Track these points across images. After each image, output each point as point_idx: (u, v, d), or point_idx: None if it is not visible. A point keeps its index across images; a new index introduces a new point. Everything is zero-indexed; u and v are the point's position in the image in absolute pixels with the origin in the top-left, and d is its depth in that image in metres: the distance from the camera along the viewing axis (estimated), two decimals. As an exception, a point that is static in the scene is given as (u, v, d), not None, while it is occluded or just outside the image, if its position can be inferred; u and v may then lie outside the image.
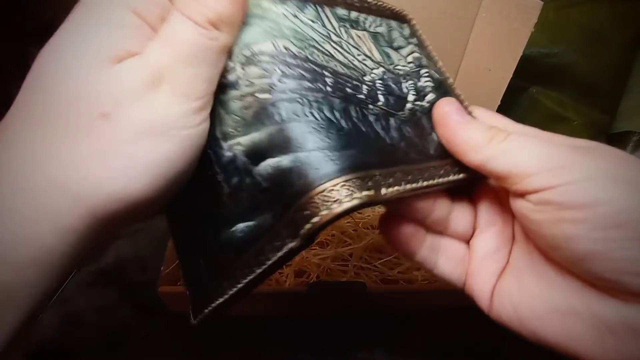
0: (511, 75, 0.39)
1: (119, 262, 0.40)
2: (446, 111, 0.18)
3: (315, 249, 0.39)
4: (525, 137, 0.16)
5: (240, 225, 0.16)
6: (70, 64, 0.14)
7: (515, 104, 0.52)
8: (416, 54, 0.22)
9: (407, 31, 0.23)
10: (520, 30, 0.32)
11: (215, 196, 0.17)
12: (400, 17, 0.23)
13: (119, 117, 0.14)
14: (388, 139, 0.17)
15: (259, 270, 0.15)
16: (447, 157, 0.18)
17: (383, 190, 0.14)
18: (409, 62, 0.21)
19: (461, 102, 0.21)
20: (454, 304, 0.35)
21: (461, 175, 0.18)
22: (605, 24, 0.48)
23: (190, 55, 0.15)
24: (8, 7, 0.40)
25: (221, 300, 0.17)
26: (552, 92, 0.51)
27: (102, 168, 0.14)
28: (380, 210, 0.43)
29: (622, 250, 0.14)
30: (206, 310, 0.18)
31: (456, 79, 0.37)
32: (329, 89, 0.16)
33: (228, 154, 0.16)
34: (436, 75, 0.22)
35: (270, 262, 0.15)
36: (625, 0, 0.48)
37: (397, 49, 0.21)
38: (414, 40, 0.23)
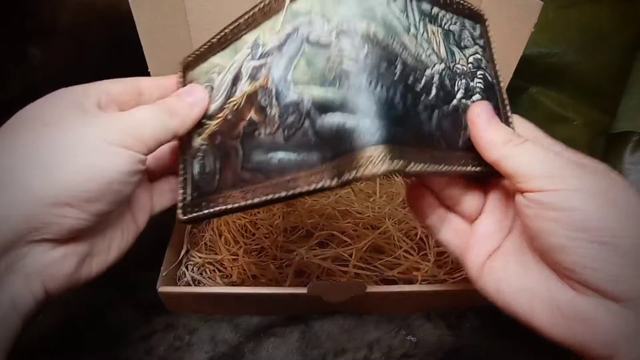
0: (511, 75, 0.39)
1: (119, 262, 0.40)
2: (478, 112, 0.22)
3: (315, 249, 0.39)
4: (538, 147, 0.20)
5: (280, 154, 0.20)
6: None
7: (515, 104, 0.52)
8: (478, 56, 0.25)
9: (477, 32, 0.25)
10: (520, 30, 0.32)
11: (259, 122, 0.21)
12: (475, 17, 0.25)
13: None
14: (427, 127, 0.20)
15: (284, 194, 0.19)
16: (471, 150, 0.22)
17: (412, 164, 0.18)
18: (469, 63, 0.24)
19: (505, 106, 0.25)
20: (454, 304, 0.35)
21: (478, 169, 0.22)
22: (605, 24, 0.48)
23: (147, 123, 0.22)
24: (8, 7, 0.40)
25: (226, 207, 0.22)
26: (552, 92, 0.51)
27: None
28: (380, 211, 0.44)
29: (584, 249, 0.18)
30: (203, 212, 0.23)
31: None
32: (396, 77, 0.19)
33: (294, 95, 0.20)
34: (489, 79, 0.25)
35: (298, 191, 0.19)
36: (625, 0, 0.48)
37: (462, 48, 0.24)
38: (481, 41, 0.25)
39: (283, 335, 0.32)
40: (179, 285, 0.38)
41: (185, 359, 0.31)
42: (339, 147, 0.18)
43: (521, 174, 0.20)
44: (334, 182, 0.17)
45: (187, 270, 0.39)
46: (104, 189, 0.20)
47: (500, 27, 0.28)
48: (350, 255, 0.38)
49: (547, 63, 0.49)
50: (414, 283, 0.37)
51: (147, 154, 0.22)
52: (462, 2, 0.24)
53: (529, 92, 0.52)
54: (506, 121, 0.25)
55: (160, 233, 0.39)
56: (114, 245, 0.25)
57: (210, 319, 0.34)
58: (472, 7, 0.25)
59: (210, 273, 0.40)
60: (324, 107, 0.19)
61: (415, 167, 0.18)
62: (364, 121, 0.17)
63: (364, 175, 0.17)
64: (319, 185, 0.18)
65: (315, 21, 0.20)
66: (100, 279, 0.38)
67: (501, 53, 0.27)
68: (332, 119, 0.18)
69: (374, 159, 0.17)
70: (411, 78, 0.20)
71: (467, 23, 0.25)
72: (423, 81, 0.21)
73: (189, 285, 0.38)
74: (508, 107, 0.25)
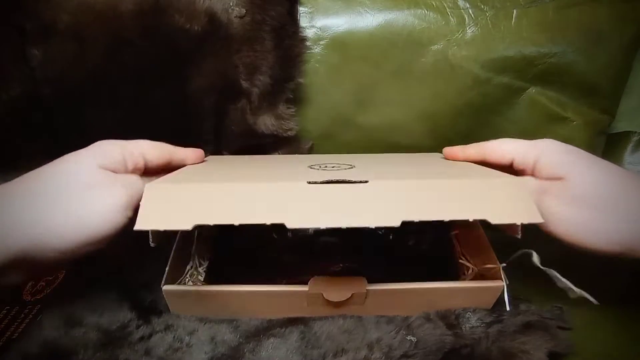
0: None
1: (119, 263, 0.40)
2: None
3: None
4: None
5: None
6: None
7: (515, 104, 0.52)
8: None
9: None
10: None
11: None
12: None
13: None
14: None
15: None
16: None
17: None
18: None
19: None
20: (454, 304, 0.35)
21: None
22: (605, 24, 0.48)
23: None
24: (8, 7, 0.40)
25: None
26: (551, 92, 0.51)
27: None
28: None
29: None
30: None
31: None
32: None
33: None
34: None
35: None
36: (625, 0, 0.48)
37: None
38: None
39: (283, 336, 0.32)
40: (179, 285, 0.38)
41: None
42: None
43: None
44: None
45: (196, 269, 0.40)
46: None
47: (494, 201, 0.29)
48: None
49: (547, 63, 0.49)
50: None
51: None
52: None
53: (528, 92, 0.52)
54: None
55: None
56: None
57: (210, 320, 0.34)
58: None
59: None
60: None
61: None
62: None
63: None
64: None
65: None
66: (100, 279, 0.38)
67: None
68: None
69: None
70: None
71: None
72: None
73: (193, 284, 0.38)
74: None
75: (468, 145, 0.37)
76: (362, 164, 0.37)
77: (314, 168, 0.35)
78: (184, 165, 0.35)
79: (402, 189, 0.27)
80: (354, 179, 0.28)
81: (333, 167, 0.35)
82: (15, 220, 0.24)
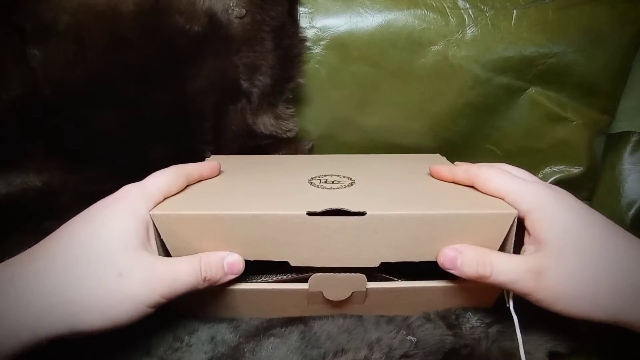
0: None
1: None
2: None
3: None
4: None
5: None
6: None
7: (515, 104, 0.52)
8: None
9: None
10: (494, 239, 0.31)
11: None
12: None
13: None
14: None
15: None
16: None
17: None
18: None
19: None
20: (454, 304, 0.35)
21: None
22: (605, 24, 0.48)
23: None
24: (8, 7, 0.40)
25: None
26: (551, 92, 0.51)
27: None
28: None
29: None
30: None
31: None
32: None
33: None
34: None
35: None
36: (625, 0, 0.48)
37: None
38: None
39: (282, 336, 0.32)
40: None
41: None
42: None
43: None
44: None
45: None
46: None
47: (474, 236, 0.30)
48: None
49: (547, 63, 0.49)
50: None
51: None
52: None
53: (528, 92, 0.52)
54: None
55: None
56: None
57: (210, 320, 0.34)
58: None
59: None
60: None
61: None
62: None
63: None
64: None
65: None
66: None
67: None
68: None
69: None
70: None
71: None
72: None
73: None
74: None
75: (457, 168, 0.35)
76: (362, 176, 0.38)
77: (314, 185, 0.36)
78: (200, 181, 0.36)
79: (396, 224, 0.29)
80: (352, 209, 0.29)
81: (333, 182, 0.36)
82: (48, 303, 0.24)
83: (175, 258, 0.29)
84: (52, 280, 0.24)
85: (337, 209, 0.29)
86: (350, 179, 0.37)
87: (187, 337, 0.32)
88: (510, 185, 0.30)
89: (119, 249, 0.26)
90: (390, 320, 0.34)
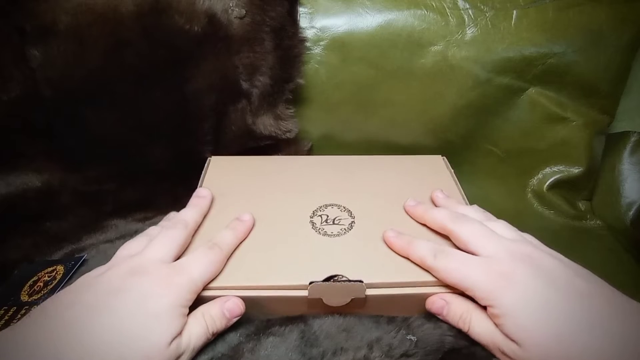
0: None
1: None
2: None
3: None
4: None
5: None
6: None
7: (515, 105, 0.52)
8: None
9: None
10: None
11: None
12: None
13: None
14: None
15: None
16: None
17: None
18: None
19: None
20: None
21: None
22: (605, 24, 0.48)
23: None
24: (8, 7, 0.40)
25: None
26: (551, 93, 0.52)
27: None
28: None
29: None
30: None
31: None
32: None
33: None
34: None
35: None
36: (625, 1, 0.48)
37: None
38: None
39: (282, 335, 0.32)
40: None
41: None
42: None
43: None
44: None
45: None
46: None
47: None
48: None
49: (547, 63, 0.49)
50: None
51: None
52: None
53: (528, 92, 0.52)
54: None
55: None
56: None
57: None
58: None
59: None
60: None
61: None
62: None
63: None
64: None
65: None
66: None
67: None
68: None
69: None
70: None
71: None
72: None
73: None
74: None
75: (432, 213, 0.36)
76: (362, 212, 0.39)
77: (315, 227, 0.37)
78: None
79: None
80: (352, 278, 0.32)
81: (334, 220, 0.38)
82: None
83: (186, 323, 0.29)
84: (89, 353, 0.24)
85: (337, 279, 0.32)
86: (351, 213, 0.39)
87: (186, 336, 0.32)
88: (475, 279, 0.30)
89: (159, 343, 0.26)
90: (390, 319, 0.34)
